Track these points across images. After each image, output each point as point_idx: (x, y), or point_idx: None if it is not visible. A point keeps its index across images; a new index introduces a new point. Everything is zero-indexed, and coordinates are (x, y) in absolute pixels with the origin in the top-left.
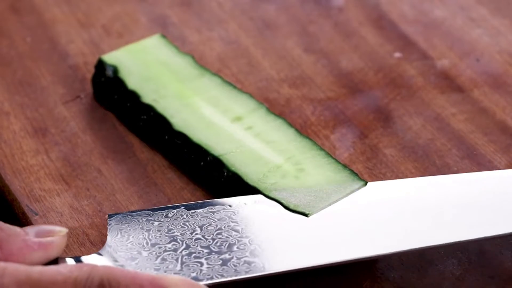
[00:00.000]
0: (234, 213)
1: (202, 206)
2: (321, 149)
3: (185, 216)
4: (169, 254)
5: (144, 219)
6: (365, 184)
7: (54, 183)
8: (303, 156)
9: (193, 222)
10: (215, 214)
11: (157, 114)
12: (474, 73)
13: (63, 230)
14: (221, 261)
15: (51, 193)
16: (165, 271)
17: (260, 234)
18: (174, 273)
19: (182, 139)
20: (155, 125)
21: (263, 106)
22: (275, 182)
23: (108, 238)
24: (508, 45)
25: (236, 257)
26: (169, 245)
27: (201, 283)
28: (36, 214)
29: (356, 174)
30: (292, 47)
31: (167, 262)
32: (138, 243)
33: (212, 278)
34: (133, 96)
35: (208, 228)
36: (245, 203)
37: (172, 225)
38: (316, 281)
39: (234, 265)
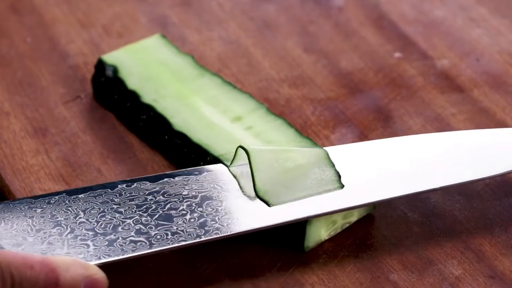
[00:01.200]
0: (116, 195)
1: (83, 191)
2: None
3: (67, 202)
4: (55, 238)
5: (26, 207)
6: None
7: (54, 183)
8: None
9: (76, 207)
10: (97, 198)
11: (157, 114)
12: (474, 73)
13: None
14: (107, 242)
15: None
16: (53, 255)
17: (144, 214)
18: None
19: (182, 139)
20: (155, 125)
21: (263, 106)
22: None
23: None
24: (508, 45)
25: (121, 237)
26: (54, 230)
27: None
28: None
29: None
30: (292, 47)
31: (53, 245)
32: (23, 230)
33: (99, 258)
34: (133, 96)
35: (91, 211)
36: (125, 185)
37: (55, 211)
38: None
39: (120, 245)
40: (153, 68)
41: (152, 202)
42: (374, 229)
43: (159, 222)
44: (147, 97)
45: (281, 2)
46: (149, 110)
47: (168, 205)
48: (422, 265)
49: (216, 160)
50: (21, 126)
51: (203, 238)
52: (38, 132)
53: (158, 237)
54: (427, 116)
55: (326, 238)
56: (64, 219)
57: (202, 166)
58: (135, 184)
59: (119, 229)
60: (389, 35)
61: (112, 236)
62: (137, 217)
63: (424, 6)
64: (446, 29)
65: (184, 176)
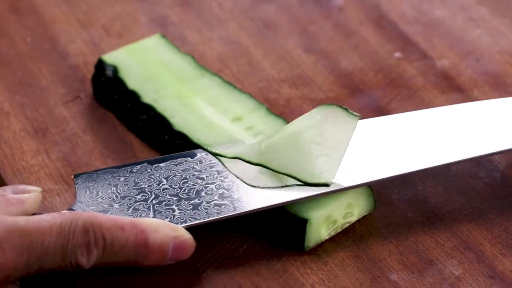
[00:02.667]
0: (197, 163)
1: (164, 160)
2: None
3: (149, 170)
4: (140, 204)
5: (109, 176)
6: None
7: (54, 183)
8: None
9: (158, 175)
10: (178, 166)
11: (157, 114)
12: (474, 73)
13: (38, 189)
14: (192, 206)
15: (51, 193)
16: None
17: (225, 180)
18: None
19: (182, 139)
20: (155, 125)
21: (263, 106)
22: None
23: (78, 195)
24: (508, 45)
25: (205, 201)
26: (139, 197)
27: None
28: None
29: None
30: (292, 47)
31: (140, 211)
32: (108, 197)
33: (185, 221)
34: (133, 96)
35: (174, 178)
36: (204, 154)
37: (138, 179)
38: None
39: (205, 208)
40: (153, 68)
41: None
42: (374, 229)
43: (240, 185)
44: (147, 97)
45: (281, 2)
46: (149, 110)
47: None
48: (422, 265)
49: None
50: (21, 126)
51: (286, 200)
52: (38, 132)
53: (241, 200)
54: None
55: (326, 238)
56: (147, 186)
57: None
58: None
59: (202, 194)
60: (389, 35)
61: (196, 201)
62: (218, 182)
63: (424, 6)
64: (446, 29)
65: None
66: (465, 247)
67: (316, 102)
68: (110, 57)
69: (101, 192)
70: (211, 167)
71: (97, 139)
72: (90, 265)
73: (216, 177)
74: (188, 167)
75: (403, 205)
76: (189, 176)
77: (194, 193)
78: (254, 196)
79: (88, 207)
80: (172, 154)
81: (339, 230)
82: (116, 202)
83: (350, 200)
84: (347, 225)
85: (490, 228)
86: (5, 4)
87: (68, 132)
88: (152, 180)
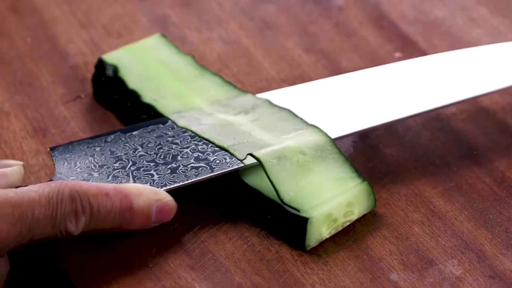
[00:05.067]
0: (169, 129)
1: (137, 128)
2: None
3: (123, 139)
4: (119, 171)
5: (85, 147)
6: (367, 184)
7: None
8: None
9: (133, 143)
10: (151, 133)
11: (157, 114)
12: None
13: (20, 162)
14: (169, 170)
15: None
16: None
17: (199, 144)
18: None
19: None
20: None
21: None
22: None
23: (56, 167)
24: None
25: (182, 164)
26: (116, 164)
27: None
28: None
29: (357, 174)
30: (292, 47)
31: (119, 178)
32: (86, 167)
33: (165, 185)
34: (133, 96)
35: (149, 145)
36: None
37: (114, 148)
38: None
39: (183, 171)
40: (153, 68)
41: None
42: (374, 229)
43: (215, 149)
44: (147, 97)
45: (281, 2)
46: (149, 109)
47: None
48: (422, 265)
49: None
50: (21, 126)
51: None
52: (38, 132)
53: (217, 161)
54: (427, 116)
55: (327, 236)
56: (124, 154)
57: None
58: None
59: (178, 158)
60: (389, 35)
61: (173, 165)
62: (193, 146)
63: (424, 6)
64: (446, 29)
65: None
66: (465, 247)
67: None
68: (110, 57)
69: (79, 163)
70: (183, 132)
71: None
72: (78, 231)
73: (190, 142)
74: (161, 134)
75: (403, 205)
76: (163, 142)
77: (170, 158)
78: (230, 158)
79: (68, 177)
80: (143, 123)
81: (340, 228)
82: (95, 171)
83: (351, 199)
84: (348, 223)
85: (490, 228)
86: (5, 4)
87: (68, 132)
88: (128, 148)
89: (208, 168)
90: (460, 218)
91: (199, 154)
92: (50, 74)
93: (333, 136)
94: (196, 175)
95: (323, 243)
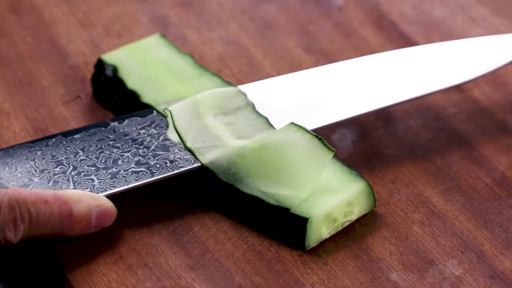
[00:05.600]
0: (111, 132)
1: (78, 131)
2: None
3: (64, 143)
4: (59, 176)
5: (26, 151)
6: (367, 184)
7: None
8: None
9: (74, 147)
10: (92, 136)
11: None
12: None
13: None
14: (110, 175)
15: None
16: None
17: (140, 148)
18: None
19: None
20: None
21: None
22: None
23: None
24: None
25: (123, 169)
26: (57, 169)
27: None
28: None
29: (357, 174)
30: (292, 47)
31: (60, 183)
32: (27, 172)
33: (105, 190)
34: (133, 96)
35: (90, 149)
36: (117, 123)
37: (55, 152)
38: None
39: (123, 176)
40: (153, 68)
41: (145, 135)
42: (374, 229)
43: (156, 152)
44: (147, 97)
45: (281, 2)
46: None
47: (162, 137)
48: (422, 265)
49: None
50: (21, 126)
51: (199, 164)
52: (39, 132)
53: (158, 166)
54: (427, 116)
55: (327, 236)
56: (65, 158)
57: None
58: (126, 121)
59: (119, 162)
60: (389, 35)
61: (114, 169)
62: (134, 150)
63: (424, 6)
64: (446, 29)
65: None
66: (465, 247)
67: None
68: (110, 57)
69: (20, 167)
70: (125, 135)
71: None
72: (18, 239)
73: (131, 145)
74: (103, 137)
75: (403, 205)
76: (104, 146)
77: (111, 162)
78: (170, 162)
79: (8, 182)
80: (85, 126)
81: (340, 228)
82: (36, 176)
83: (350, 199)
84: (348, 223)
85: (490, 228)
86: (5, 4)
87: None
88: (69, 152)
89: (149, 172)
90: (460, 218)
91: (140, 158)
92: (50, 74)
93: (314, 126)
94: (137, 180)
95: (323, 243)
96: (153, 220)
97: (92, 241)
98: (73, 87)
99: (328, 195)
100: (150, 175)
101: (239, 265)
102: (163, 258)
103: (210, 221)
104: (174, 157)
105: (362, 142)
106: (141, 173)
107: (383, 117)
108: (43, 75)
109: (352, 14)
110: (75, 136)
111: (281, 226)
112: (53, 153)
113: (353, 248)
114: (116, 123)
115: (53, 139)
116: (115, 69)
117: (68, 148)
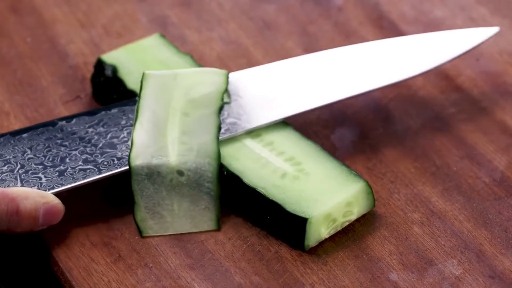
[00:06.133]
0: (58, 131)
1: (26, 131)
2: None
3: (12, 142)
4: (7, 175)
5: None
6: (366, 184)
7: None
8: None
9: (22, 146)
10: (40, 136)
11: None
12: (474, 72)
13: None
14: (57, 173)
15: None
16: None
17: (87, 146)
18: None
19: None
20: None
21: None
22: (274, 182)
23: None
24: (508, 45)
25: (70, 167)
26: (5, 168)
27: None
28: None
29: (356, 174)
30: (292, 47)
31: (7, 181)
32: None
33: (53, 188)
34: (133, 96)
35: (38, 148)
36: (65, 122)
37: (2, 151)
38: None
39: (71, 174)
40: (152, 68)
41: (93, 133)
42: (374, 229)
43: (104, 150)
44: None
45: (281, 2)
46: None
47: (110, 135)
48: (422, 265)
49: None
50: (21, 126)
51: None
52: None
53: (105, 163)
54: (426, 116)
55: (326, 236)
56: (12, 157)
57: (136, 98)
58: (74, 120)
59: (67, 160)
60: (389, 35)
61: (62, 167)
62: (81, 148)
63: (424, 6)
64: (446, 29)
65: (120, 108)
66: (465, 247)
67: None
68: (110, 57)
69: None
70: (72, 134)
71: None
72: None
73: (79, 144)
74: (50, 136)
75: (403, 205)
76: (52, 145)
77: (58, 160)
78: (118, 159)
79: None
80: (31, 125)
81: (339, 228)
82: None
83: (350, 199)
84: (347, 223)
85: (490, 228)
86: (5, 4)
87: None
88: (16, 151)
89: (96, 170)
90: (459, 218)
91: (88, 156)
92: (50, 74)
93: (293, 112)
94: (84, 177)
95: (322, 243)
96: None
97: (92, 241)
98: (73, 87)
99: (328, 195)
100: (98, 172)
101: (239, 265)
102: (163, 258)
103: None
104: (122, 154)
105: (361, 142)
106: (88, 171)
107: (383, 116)
108: (43, 75)
109: (352, 14)
110: (23, 135)
111: (280, 226)
112: (0, 152)
113: (352, 248)
114: (64, 122)
115: (1, 139)
116: (114, 69)
117: (16, 147)
